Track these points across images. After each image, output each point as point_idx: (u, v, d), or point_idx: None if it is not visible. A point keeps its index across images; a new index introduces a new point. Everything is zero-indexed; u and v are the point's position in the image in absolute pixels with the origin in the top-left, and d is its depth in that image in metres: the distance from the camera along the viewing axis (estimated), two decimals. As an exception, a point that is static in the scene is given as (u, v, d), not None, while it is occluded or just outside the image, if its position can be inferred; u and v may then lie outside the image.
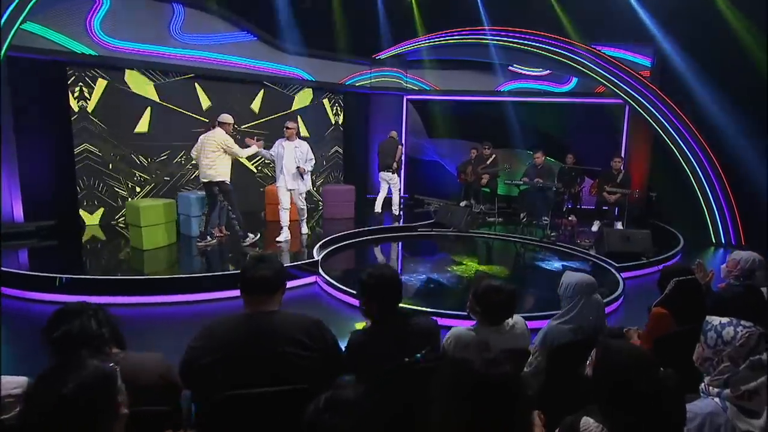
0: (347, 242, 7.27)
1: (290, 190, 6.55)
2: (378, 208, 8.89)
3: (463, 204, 9.90)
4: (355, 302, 4.98)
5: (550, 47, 8.84)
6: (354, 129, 10.33)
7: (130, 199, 7.36)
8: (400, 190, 9.14)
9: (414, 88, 10.60)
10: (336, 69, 9.77)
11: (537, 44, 8.92)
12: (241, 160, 7.23)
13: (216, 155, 6.02)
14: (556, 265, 6.91)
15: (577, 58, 8.64)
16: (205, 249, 6.28)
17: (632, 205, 8.24)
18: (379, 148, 9.00)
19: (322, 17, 9.52)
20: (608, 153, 8.83)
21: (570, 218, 8.99)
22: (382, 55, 10.25)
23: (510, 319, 2.41)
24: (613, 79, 8.51)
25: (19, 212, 6.69)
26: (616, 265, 6.32)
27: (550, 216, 8.27)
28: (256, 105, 8.90)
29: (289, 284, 5.61)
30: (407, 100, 10.72)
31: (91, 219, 7.31)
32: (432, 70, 10.48)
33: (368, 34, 9.93)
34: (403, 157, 9.16)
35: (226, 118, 6.23)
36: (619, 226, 7.93)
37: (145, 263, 5.72)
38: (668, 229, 8.75)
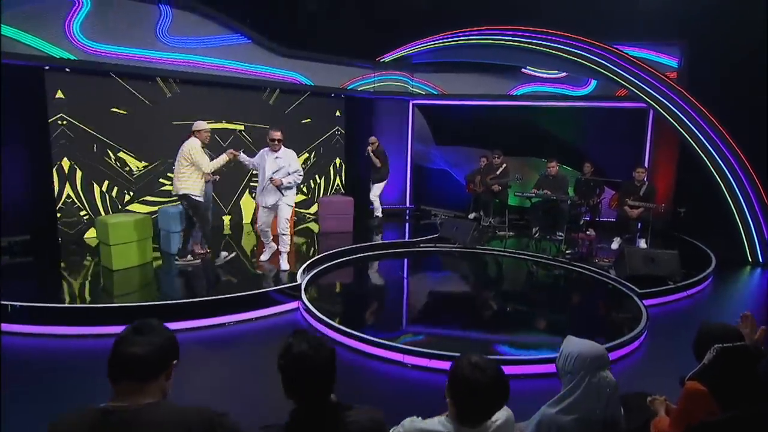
0: (341, 260, 6.66)
1: (267, 207, 5.74)
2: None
3: (472, 216, 9.24)
4: (342, 338, 4.50)
5: (566, 47, 8.11)
6: (356, 136, 9.74)
7: (104, 213, 6.91)
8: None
9: (421, 92, 9.96)
10: (337, 73, 9.19)
11: (552, 44, 8.20)
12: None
13: (184, 166, 5.49)
14: (570, 286, 6.24)
15: (594, 58, 7.89)
16: (186, 268, 5.74)
17: (657, 220, 7.45)
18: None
19: (322, 19, 8.97)
20: (630, 162, 8.07)
21: (588, 232, 8.23)
22: (387, 58, 9.64)
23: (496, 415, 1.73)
24: (634, 80, 7.73)
25: (-9, 227, 6.27)
26: (639, 291, 5.57)
27: (566, 230, 7.54)
28: (249, 111, 8.38)
29: (270, 310, 5.18)
30: (413, 105, 10.07)
31: (71, 234, 6.88)
32: (440, 73, 9.83)
33: (371, 36, 9.33)
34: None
35: (199, 125, 5.67)
36: (642, 244, 7.16)
37: (108, 287, 5.18)
38: (697, 246, 7.93)
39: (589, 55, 7.99)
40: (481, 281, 6.74)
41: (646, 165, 8.84)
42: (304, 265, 5.74)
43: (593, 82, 9.02)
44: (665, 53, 8.61)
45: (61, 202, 6.80)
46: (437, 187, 10.37)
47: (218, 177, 6.35)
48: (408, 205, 10.26)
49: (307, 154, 9.08)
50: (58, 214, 6.79)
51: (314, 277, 5.88)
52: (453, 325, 4.91)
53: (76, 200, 6.90)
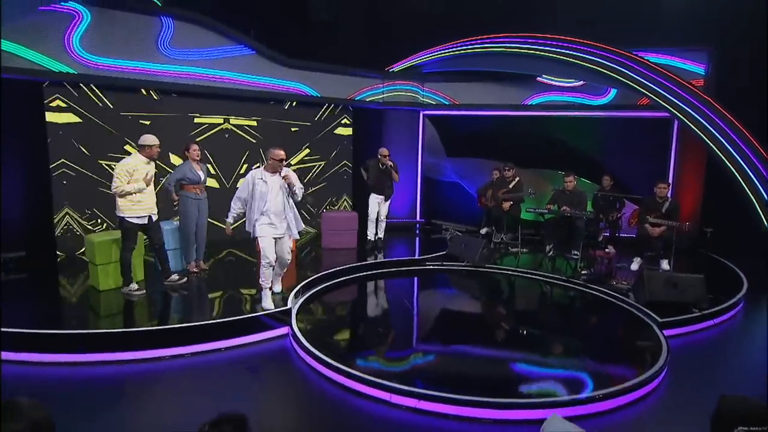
0: (338, 279, 6.34)
1: (279, 237, 4.98)
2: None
3: (483, 231, 8.82)
4: (331, 374, 4.08)
5: (582, 55, 7.68)
6: (365, 148, 9.45)
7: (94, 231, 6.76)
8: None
9: (432, 102, 9.62)
10: (344, 83, 8.94)
11: (568, 52, 7.77)
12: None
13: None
14: (583, 312, 5.77)
15: (613, 65, 7.43)
16: (172, 289, 5.45)
17: (681, 239, 6.90)
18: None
19: (330, 29, 8.74)
20: (653, 176, 7.57)
21: (607, 250, 7.72)
22: (396, 68, 9.35)
23: None
24: (656, 89, 7.23)
25: (-14, 243, 6.18)
26: (659, 320, 5.07)
27: (582, 249, 7.05)
28: (253, 123, 8.19)
29: (258, 336, 4.84)
30: (424, 115, 9.73)
31: (69, 250, 6.75)
32: (451, 82, 9.47)
33: (380, 46, 9.05)
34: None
35: (143, 139, 5.15)
36: (664, 265, 6.63)
37: (89, 311, 4.97)
38: (727, 266, 7.34)
39: (607, 63, 7.54)
40: (488, 304, 6.32)
41: (670, 179, 8.30)
42: (297, 288, 5.42)
43: (612, 91, 8.53)
44: (691, 59, 8.07)
45: (58, 218, 6.69)
46: (448, 201, 9.99)
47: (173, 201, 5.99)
48: (418, 219, 9.89)
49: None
50: (57, 231, 6.69)
51: (311, 298, 5.60)
52: (454, 356, 4.52)
53: (74, 216, 6.79)
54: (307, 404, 3.76)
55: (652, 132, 8.50)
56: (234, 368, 4.17)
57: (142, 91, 7.15)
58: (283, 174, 4.81)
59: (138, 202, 5.11)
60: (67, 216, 6.76)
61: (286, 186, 4.85)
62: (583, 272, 6.75)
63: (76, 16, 6.52)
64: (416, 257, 7.48)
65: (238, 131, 8.09)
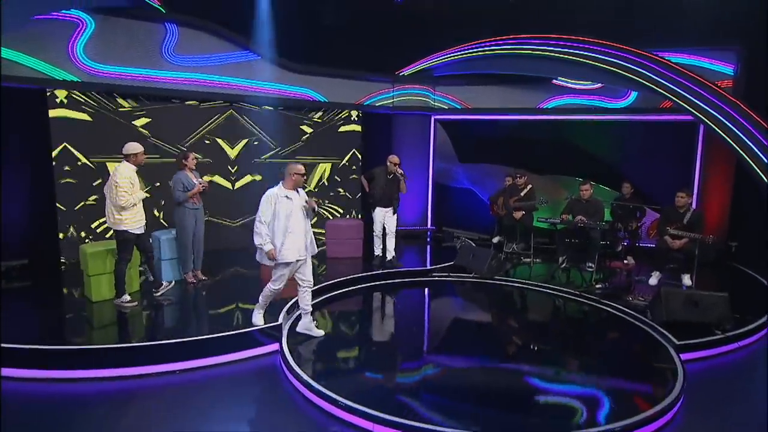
0: (343, 290, 6.12)
1: (302, 259, 4.59)
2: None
3: (496, 240, 8.48)
4: (314, 397, 3.67)
5: (599, 56, 7.27)
6: (374, 154, 9.23)
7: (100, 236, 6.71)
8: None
9: (443, 106, 9.32)
10: (353, 88, 8.75)
11: (584, 53, 7.37)
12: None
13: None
14: (594, 331, 5.38)
15: (631, 66, 7.00)
16: (164, 300, 5.30)
17: (707, 251, 6.43)
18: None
19: (336, 33, 8.54)
20: (677, 183, 7.11)
21: (625, 261, 7.29)
22: (406, 72, 9.10)
23: None
24: (679, 90, 6.78)
25: (-10, 250, 6.20)
26: (676, 342, 4.67)
27: (597, 261, 6.65)
28: (258, 130, 8.07)
29: (246, 354, 4.32)
30: (435, 120, 9.45)
31: (72, 258, 6.73)
32: (464, 86, 9.16)
33: (389, 49, 8.81)
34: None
35: (128, 147, 4.98)
36: (686, 281, 6.18)
37: (78, 323, 4.88)
38: (757, 281, 6.82)
39: (625, 64, 7.11)
40: (493, 320, 5.92)
41: (695, 187, 7.80)
42: (291, 302, 5.20)
43: (633, 94, 8.07)
44: (718, 59, 7.57)
45: (61, 226, 6.69)
46: (460, 208, 9.66)
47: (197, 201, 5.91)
48: (429, 226, 9.60)
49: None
50: (60, 236, 6.68)
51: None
52: (449, 380, 4.22)
53: (75, 224, 6.77)
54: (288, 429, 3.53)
55: (676, 136, 8.01)
56: (219, 387, 3.99)
57: (141, 97, 7.08)
58: (301, 196, 4.52)
59: (137, 214, 5.01)
60: (68, 224, 6.74)
61: (306, 204, 4.55)
62: (597, 286, 6.36)
63: (80, 24, 6.51)
64: (422, 268, 7.18)
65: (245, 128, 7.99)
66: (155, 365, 4.15)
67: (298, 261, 4.53)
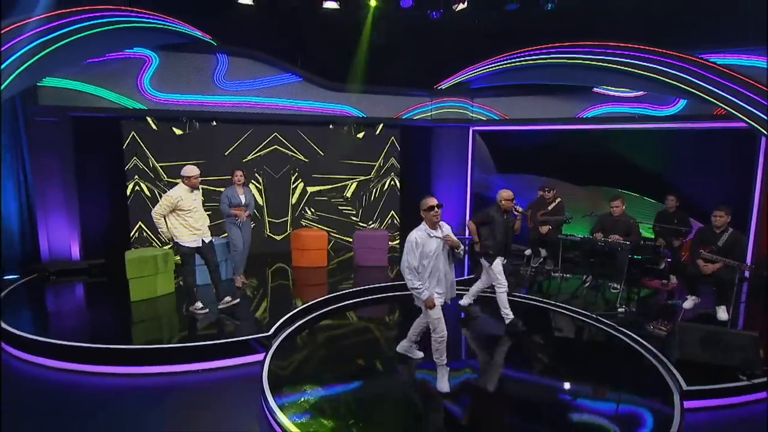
0: (347, 302, 5.89)
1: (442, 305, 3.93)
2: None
3: (528, 252, 7.72)
4: (267, 415, 3.39)
5: (638, 62, 6.25)
6: (413, 166, 8.89)
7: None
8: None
9: (482, 118, 8.69)
10: (392, 103, 8.47)
11: (621, 60, 6.39)
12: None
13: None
14: (595, 363, 4.52)
15: (673, 72, 5.92)
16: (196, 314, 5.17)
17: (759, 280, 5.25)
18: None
19: (375, 52, 8.31)
20: (732, 197, 5.96)
21: (664, 281, 6.25)
22: (444, 85, 8.60)
23: None
24: (730, 97, 5.59)
25: (76, 251, 6.93)
26: (683, 386, 3.83)
27: (623, 281, 5.72)
28: (303, 147, 8.14)
29: (235, 361, 4.31)
30: (473, 131, 8.84)
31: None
32: (502, 97, 8.46)
33: (426, 64, 8.39)
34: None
35: (184, 170, 5.01)
36: (722, 313, 5.07)
37: (111, 320, 5.20)
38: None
39: (670, 70, 6.03)
40: (494, 340, 5.08)
41: (755, 202, 6.41)
42: (286, 316, 5.09)
43: (682, 101, 6.83)
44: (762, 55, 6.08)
45: (133, 231, 7.29)
46: (498, 218, 8.94)
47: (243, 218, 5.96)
48: (467, 236, 9.02)
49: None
50: (132, 238, 7.29)
51: (311, 322, 5.28)
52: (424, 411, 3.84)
53: (146, 230, 7.35)
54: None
55: (733, 145, 6.64)
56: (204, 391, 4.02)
57: (196, 120, 7.45)
58: (444, 234, 3.78)
59: (193, 228, 5.04)
60: (140, 229, 7.33)
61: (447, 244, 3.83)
62: (619, 310, 5.48)
63: (146, 60, 7.01)
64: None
65: (287, 151, 8.08)
66: (172, 365, 4.28)
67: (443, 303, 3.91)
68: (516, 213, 5.23)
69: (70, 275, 6.65)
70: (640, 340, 4.73)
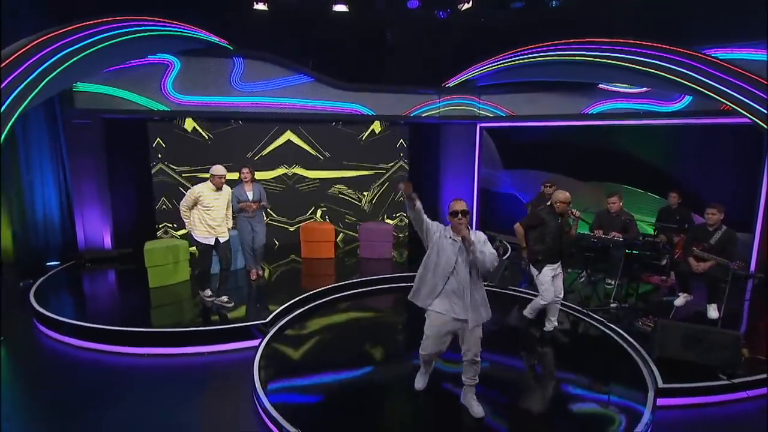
0: (348, 293, 6.00)
1: (459, 320, 3.25)
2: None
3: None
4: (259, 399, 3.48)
5: (639, 58, 6.01)
6: (421, 161, 8.88)
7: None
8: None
9: (489, 114, 8.56)
10: (401, 101, 8.46)
11: (623, 56, 6.15)
12: None
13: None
14: (574, 356, 4.44)
15: (673, 67, 5.66)
16: (214, 303, 5.32)
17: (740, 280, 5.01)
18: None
19: (384, 52, 8.32)
20: (738, 194, 5.71)
21: (664, 277, 6.05)
22: (452, 83, 8.51)
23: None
24: (731, 92, 5.31)
25: (108, 241, 7.37)
26: (659, 383, 3.75)
27: (618, 278, 5.58)
28: (312, 144, 8.28)
29: (233, 345, 4.60)
30: (481, 127, 8.73)
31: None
32: (508, 94, 8.30)
33: (434, 62, 8.33)
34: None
35: (212, 169, 5.09)
36: (712, 312, 4.89)
37: (131, 303, 5.52)
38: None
39: (668, 65, 5.77)
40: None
41: (761, 200, 6.08)
42: (285, 305, 5.26)
43: (687, 96, 6.52)
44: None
45: (159, 224, 7.66)
46: (504, 212, 8.83)
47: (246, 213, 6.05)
48: (474, 230, 8.96)
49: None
50: (158, 233, 7.67)
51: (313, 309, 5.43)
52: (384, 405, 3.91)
53: (170, 223, 7.70)
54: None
55: (738, 141, 6.30)
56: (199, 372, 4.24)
57: (215, 120, 7.71)
58: (462, 234, 3.07)
59: (208, 226, 5.09)
60: (164, 222, 7.70)
61: (464, 250, 3.12)
62: (612, 305, 5.36)
63: (169, 65, 7.29)
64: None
65: (302, 145, 8.25)
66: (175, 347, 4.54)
67: (456, 321, 3.20)
68: (571, 217, 4.66)
69: (103, 262, 7.08)
70: (626, 335, 4.64)
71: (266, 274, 6.56)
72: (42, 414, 3.61)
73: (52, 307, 5.08)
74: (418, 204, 3.13)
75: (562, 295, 4.69)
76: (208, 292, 5.37)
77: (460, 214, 3.10)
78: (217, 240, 5.17)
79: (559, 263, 4.61)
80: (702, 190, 6.47)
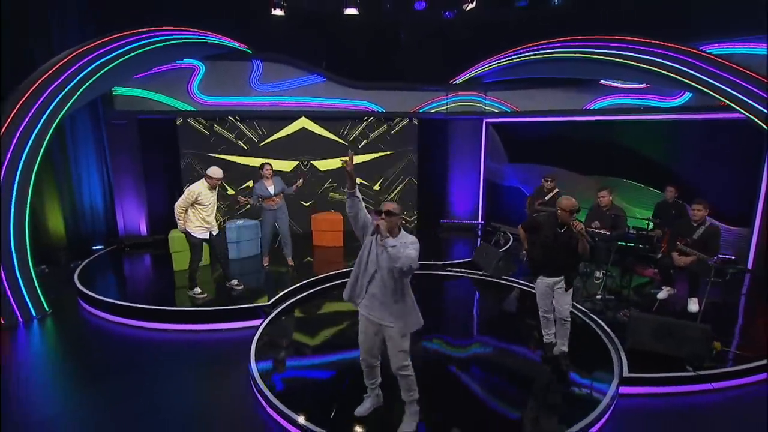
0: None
1: (380, 323, 3.03)
2: None
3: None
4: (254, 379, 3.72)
5: (639, 55, 5.83)
6: (429, 156, 8.93)
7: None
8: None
9: (494, 110, 8.49)
10: (409, 98, 8.52)
11: (623, 53, 5.98)
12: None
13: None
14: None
15: (671, 64, 5.46)
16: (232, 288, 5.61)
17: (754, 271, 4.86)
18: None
19: (393, 51, 8.38)
20: (738, 189, 5.53)
21: (655, 270, 5.93)
22: (459, 80, 8.48)
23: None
24: (726, 88, 5.09)
25: (144, 228, 7.92)
26: (625, 372, 3.78)
27: (606, 271, 5.54)
28: (325, 139, 8.50)
29: (234, 324, 5.00)
30: (487, 123, 8.67)
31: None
32: (513, 90, 8.20)
33: (442, 61, 8.33)
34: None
35: (208, 170, 5.20)
36: (692, 305, 4.80)
37: (156, 283, 5.95)
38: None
39: (670, 63, 5.57)
40: (458, 315, 5.26)
41: (761, 194, 5.81)
42: (288, 289, 5.56)
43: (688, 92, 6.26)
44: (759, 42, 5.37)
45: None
46: (508, 204, 8.78)
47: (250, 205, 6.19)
48: (479, 221, 9.00)
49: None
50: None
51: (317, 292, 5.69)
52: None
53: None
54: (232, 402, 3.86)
55: (739, 137, 6.01)
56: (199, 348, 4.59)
57: (231, 118, 8.04)
58: (379, 229, 2.73)
59: (204, 221, 5.23)
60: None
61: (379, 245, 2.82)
62: (597, 296, 5.34)
63: (195, 69, 7.67)
64: (438, 262, 6.84)
65: (316, 132, 8.46)
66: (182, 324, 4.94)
67: (375, 324, 2.95)
68: (577, 233, 3.61)
69: (140, 247, 7.63)
70: (604, 326, 4.64)
71: (287, 261, 6.52)
72: (77, 378, 4.06)
73: (93, 288, 5.58)
74: (358, 192, 2.88)
75: (564, 316, 3.86)
76: (198, 290, 5.39)
77: (383, 213, 2.79)
78: (210, 233, 5.36)
79: (557, 279, 3.84)
80: (702, 185, 6.25)
